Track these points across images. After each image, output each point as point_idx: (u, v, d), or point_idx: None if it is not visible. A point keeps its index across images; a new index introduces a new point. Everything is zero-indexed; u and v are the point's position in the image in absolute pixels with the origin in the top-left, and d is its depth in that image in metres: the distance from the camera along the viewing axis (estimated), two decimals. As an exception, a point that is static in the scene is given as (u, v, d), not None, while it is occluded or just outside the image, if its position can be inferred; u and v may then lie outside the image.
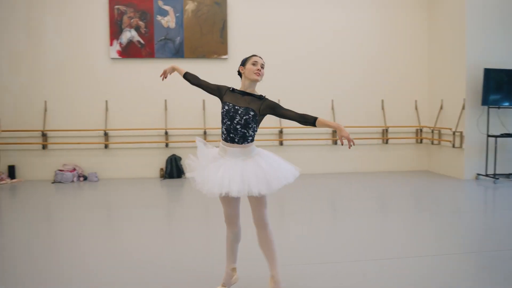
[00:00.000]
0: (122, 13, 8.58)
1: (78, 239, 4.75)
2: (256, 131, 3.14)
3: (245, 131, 3.04)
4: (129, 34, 8.63)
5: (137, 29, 8.63)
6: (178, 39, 8.68)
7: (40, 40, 8.65)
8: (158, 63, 8.70)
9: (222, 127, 3.13)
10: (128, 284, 3.49)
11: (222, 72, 8.89)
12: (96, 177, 8.51)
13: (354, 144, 2.91)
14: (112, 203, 6.94)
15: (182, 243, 4.60)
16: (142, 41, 8.65)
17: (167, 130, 8.75)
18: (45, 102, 8.63)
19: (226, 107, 3.09)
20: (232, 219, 3.20)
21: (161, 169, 8.76)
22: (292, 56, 9.07)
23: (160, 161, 8.84)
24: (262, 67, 3.13)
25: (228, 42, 8.84)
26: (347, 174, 9.00)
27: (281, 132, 9.05)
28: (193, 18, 8.69)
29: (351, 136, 2.97)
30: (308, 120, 2.99)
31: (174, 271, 3.73)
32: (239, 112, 3.03)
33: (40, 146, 8.64)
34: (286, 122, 8.64)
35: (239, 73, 3.21)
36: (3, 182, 8.26)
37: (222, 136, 3.13)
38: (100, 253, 4.27)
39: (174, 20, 8.64)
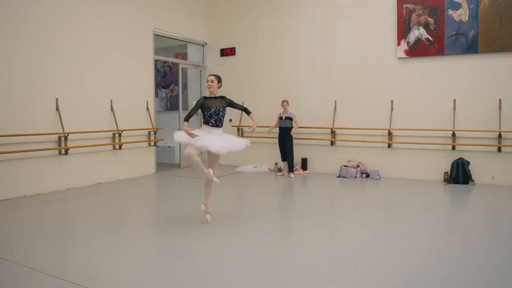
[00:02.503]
0: (410, 12, 8.46)
1: (354, 232, 4.96)
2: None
3: (223, 119, 5.27)
4: (417, 32, 8.44)
5: (426, 26, 8.35)
6: (471, 33, 7.97)
7: (332, 44, 9.40)
8: (448, 60, 8.22)
9: (209, 119, 5.16)
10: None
11: (525, 66, 7.74)
12: (378, 175, 8.69)
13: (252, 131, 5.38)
14: (392, 202, 6.91)
15: (458, 255, 4.22)
16: (430, 38, 8.33)
17: (455, 132, 8.17)
18: (335, 101, 9.34)
19: (213, 109, 5.16)
20: (211, 166, 5.29)
21: (445, 172, 8.25)
22: None
23: (445, 164, 8.34)
24: (212, 82, 5.25)
25: (535, 31, 7.58)
26: None
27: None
28: (490, 8, 7.82)
29: None
30: (247, 112, 5.51)
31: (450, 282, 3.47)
32: (221, 109, 5.21)
33: (329, 142, 9.41)
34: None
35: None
36: (297, 172, 9.39)
37: (209, 124, 5.17)
38: (375, 250, 4.35)
39: (467, 12, 7.97)
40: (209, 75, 5.39)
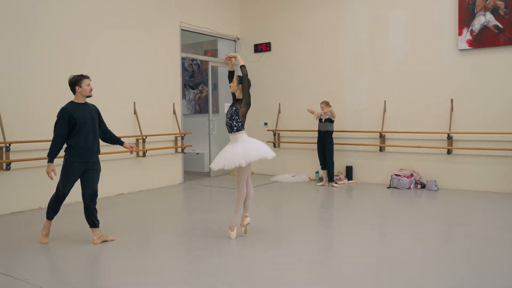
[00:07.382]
0: (475, -5, 7.30)
1: (408, 253, 4.05)
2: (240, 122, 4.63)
3: (231, 123, 4.62)
4: (483, 19, 7.26)
5: (494, 11, 7.15)
6: (551, 18, 6.73)
7: (381, 37, 8.34)
8: (521, 50, 7.03)
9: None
10: None
11: None
12: (436, 185, 7.56)
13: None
14: (452, 217, 6.00)
15: None
16: (500, 25, 7.12)
17: (530, 135, 6.96)
18: (385, 102, 8.26)
19: (227, 110, 4.83)
20: (242, 183, 4.69)
21: (519, 183, 7.06)
22: None
23: (517, 173, 7.16)
24: (233, 83, 4.70)
25: None
26: None
27: None
28: None
29: None
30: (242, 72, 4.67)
31: None
32: (229, 110, 4.69)
33: (378, 148, 8.33)
34: None
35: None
36: (341, 182, 8.36)
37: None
38: (433, 274, 3.36)
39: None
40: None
